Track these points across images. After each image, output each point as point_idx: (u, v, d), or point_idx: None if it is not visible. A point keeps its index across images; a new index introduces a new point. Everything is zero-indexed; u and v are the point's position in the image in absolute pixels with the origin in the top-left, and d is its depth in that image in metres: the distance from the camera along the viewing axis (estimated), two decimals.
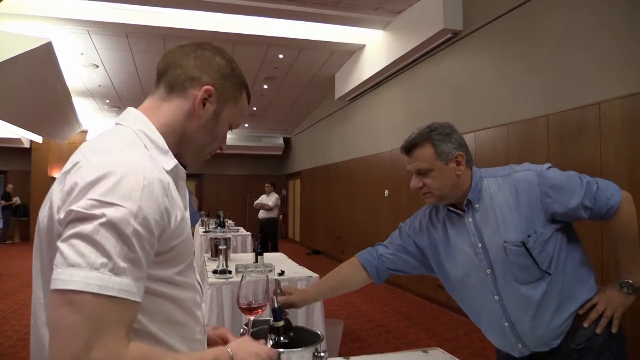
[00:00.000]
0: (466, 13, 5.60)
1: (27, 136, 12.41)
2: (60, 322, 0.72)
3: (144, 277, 0.81)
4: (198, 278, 1.05)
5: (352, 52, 8.25)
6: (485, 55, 5.32)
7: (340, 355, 2.64)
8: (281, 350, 1.27)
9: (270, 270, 3.63)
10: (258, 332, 1.36)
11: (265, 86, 10.12)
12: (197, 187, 16.22)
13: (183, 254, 0.93)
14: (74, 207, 0.76)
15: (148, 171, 0.83)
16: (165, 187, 0.86)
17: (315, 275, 3.63)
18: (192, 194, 4.06)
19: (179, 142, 1.01)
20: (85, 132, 13.34)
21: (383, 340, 4.78)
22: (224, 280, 3.34)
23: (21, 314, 5.59)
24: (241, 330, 1.30)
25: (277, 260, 4.35)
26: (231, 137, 14.14)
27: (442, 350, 1.82)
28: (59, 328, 0.72)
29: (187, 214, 1.01)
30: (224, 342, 1.12)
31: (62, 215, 0.79)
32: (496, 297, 1.53)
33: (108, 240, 0.75)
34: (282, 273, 3.61)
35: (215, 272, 3.48)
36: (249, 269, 3.56)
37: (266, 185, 10.12)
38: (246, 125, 14.18)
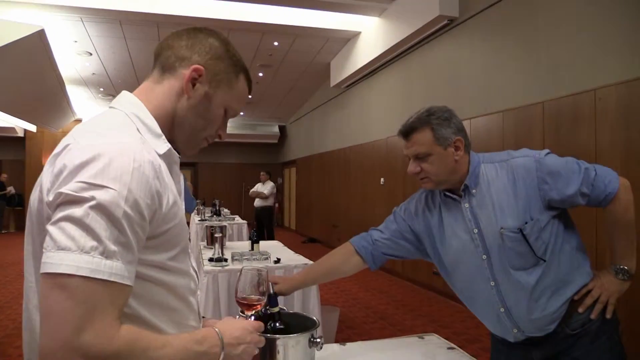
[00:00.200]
0: None
1: (21, 125, 12.33)
2: (51, 306, 0.72)
3: (135, 261, 0.80)
4: (194, 265, 1.04)
5: (347, 39, 8.19)
6: (481, 42, 5.29)
7: (336, 341, 2.65)
8: (277, 336, 1.27)
9: (266, 258, 3.64)
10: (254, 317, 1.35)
11: (261, 74, 10.05)
12: (193, 175, 16.20)
13: (176, 238, 0.91)
14: (63, 190, 0.75)
15: (138, 153, 0.82)
16: (156, 170, 0.85)
17: (311, 262, 3.63)
18: (186, 180, 4.03)
19: (170, 125, 1.00)
20: (79, 120, 13.23)
21: (379, 327, 4.80)
22: (219, 267, 3.36)
23: (17, 303, 5.58)
24: (237, 317, 1.30)
25: (273, 248, 4.35)
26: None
27: (438, 336, 1.82)
28: (50, 312, 0.72)
29: (182, 199, 0.99)
30: None
31: (51, 198, 0.78)
32: (492, 283, 1.53)
33: (98, 224, 0.73)
34: (278, 261, 3.62)
35: (211, 259, 3.49)
36: (244, 257, 3.56)
37: (262, 173, 10.09)
38: (241, 113, 14.12)
